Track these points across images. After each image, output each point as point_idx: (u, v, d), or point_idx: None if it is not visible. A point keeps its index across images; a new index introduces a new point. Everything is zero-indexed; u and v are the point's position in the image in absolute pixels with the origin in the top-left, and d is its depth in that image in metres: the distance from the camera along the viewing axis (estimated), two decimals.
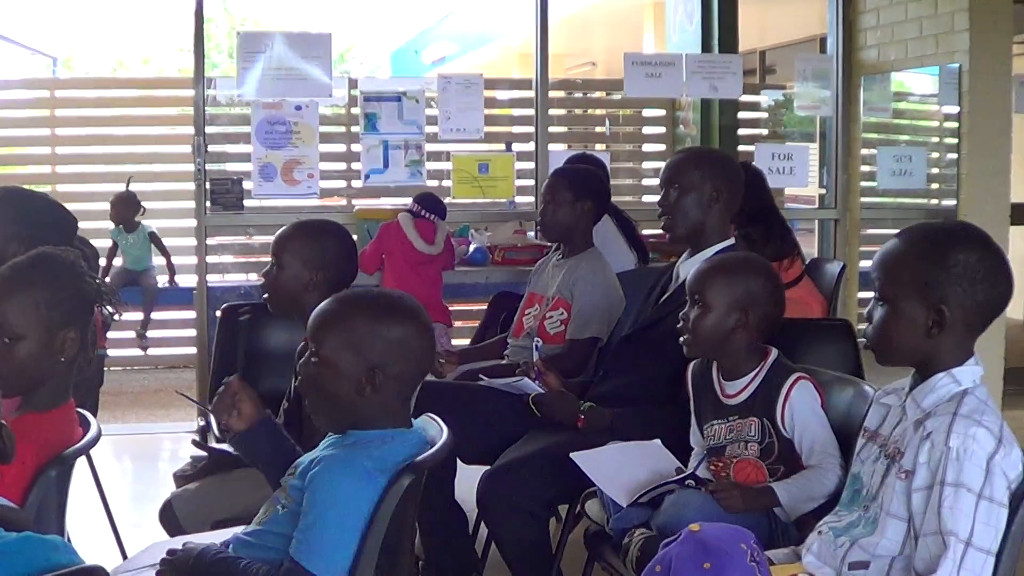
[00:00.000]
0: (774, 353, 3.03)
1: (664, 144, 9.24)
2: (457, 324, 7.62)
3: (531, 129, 7.18)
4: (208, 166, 6.50)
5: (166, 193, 8.85)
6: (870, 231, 7.44)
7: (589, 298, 4.25)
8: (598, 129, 9.77)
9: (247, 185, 6.48)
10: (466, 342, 5.90)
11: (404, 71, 17.51)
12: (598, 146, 9.22)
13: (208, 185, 6.40)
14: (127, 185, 8.30)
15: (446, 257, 6.02)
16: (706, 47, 7.91)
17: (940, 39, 6.86)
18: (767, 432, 2.92)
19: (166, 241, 8.41)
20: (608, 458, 3.08)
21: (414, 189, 6.50)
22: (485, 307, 5.74)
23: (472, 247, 6.35)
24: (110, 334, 8.42)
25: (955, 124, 6.83)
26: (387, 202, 7.26)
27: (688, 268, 3.35)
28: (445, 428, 2.50)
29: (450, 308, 6.31)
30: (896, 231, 2.43)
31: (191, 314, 7.04)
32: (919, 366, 2.36)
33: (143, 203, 8.33)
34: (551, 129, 7.50)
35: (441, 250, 5.94)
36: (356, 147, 7.24)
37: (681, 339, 3.05)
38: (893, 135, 7.77)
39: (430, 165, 6.92)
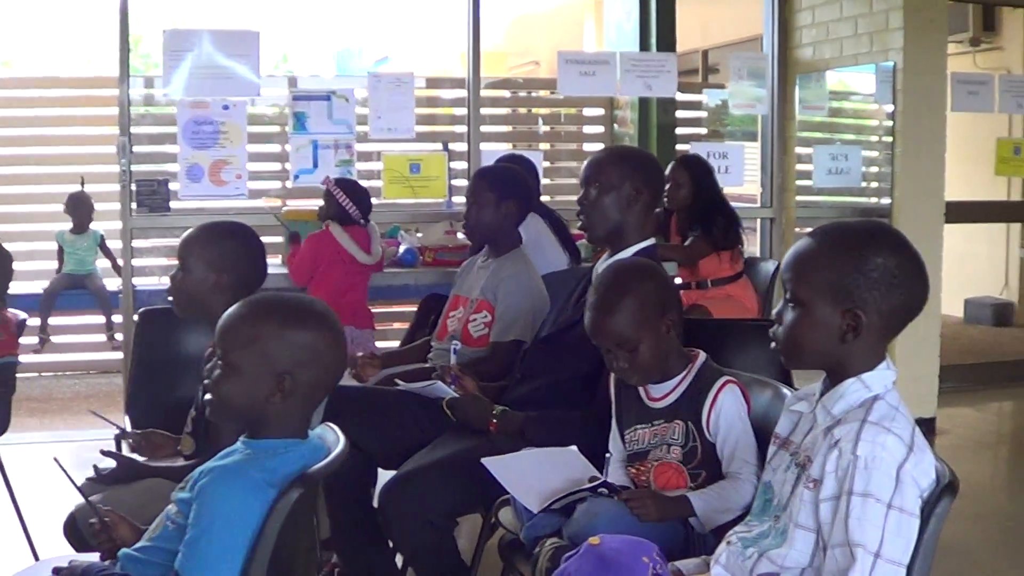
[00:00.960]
0: (702, 356, 2.95)
1: (603, 143, 9.16)
2: (390, 326, 7.54)
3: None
4: (139, 167, 6.38)
5: (100, 195, 8.67)
6: (806, 230, 7.41)
7: (513, 300, 4.15)
8: (541, 128, 9.70)
9: (174, 186, 6.35)
10: (395, 344, 5.79)
11: (347, 71, 17.38)
12: (542, 145, 9.14)
13: (134, 187, 6.26)
14: (81, 186, 8.17)
15: (378, 262, 5.88)
16: (644, 46, 7.84)
17: (875, 37, 6.86)
18: (691, 436, 2.85)
19: None
20: (521, 464, 2.98)
21: None
22: (415, 309, 5.63)
23: (402, 248, 6.23)
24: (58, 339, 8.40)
25: (891, 123, 6.83)
26: (319, 203, 7.14)
27: None
28: (342, 437, 2.40)
29: (378, 310, 6.19)
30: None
31: (118, 318, 6.92)
32: (829, 371, 2.27)
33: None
34: (491, 129, 7.42)
35: (379, 258, 5.80)
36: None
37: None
38: (830, 133, 7.76)
39: (361, 165, 6.82)
